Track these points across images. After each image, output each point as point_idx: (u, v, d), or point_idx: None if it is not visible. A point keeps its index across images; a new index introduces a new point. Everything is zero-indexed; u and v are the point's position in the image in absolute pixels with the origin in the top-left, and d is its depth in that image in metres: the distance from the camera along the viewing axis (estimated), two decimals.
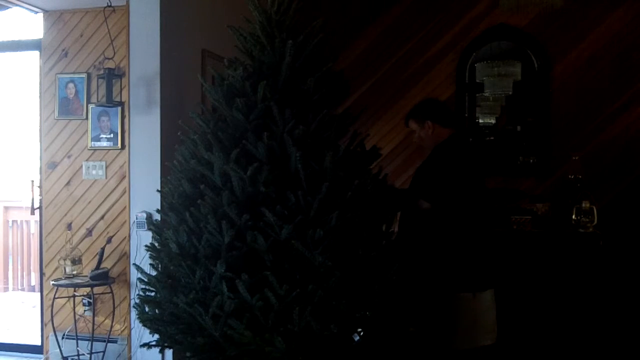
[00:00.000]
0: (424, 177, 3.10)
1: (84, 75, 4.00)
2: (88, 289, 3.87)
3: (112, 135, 3.92)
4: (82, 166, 4.00)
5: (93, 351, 3.76)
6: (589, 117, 4.87)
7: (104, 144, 3.94)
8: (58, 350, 3.86)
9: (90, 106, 3.98)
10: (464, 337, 3.08)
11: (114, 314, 3.87)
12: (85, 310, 3.98)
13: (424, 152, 3.23)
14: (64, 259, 3.90)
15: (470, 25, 5.11)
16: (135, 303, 2.76)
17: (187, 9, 3.96)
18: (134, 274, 3.62)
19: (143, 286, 2.72)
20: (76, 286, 3.81)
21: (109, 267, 3.89)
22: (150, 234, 2.88)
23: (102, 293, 3.90)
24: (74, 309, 3.93)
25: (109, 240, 3.96)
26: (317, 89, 2.58)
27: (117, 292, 3.88)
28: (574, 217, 4.17)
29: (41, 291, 4.25)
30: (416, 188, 3.09)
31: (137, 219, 3.75)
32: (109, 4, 3.85)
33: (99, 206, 3.98)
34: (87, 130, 3.99)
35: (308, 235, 2.35)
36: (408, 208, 3.09)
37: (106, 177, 3.95)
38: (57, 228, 4.08)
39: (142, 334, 3.43)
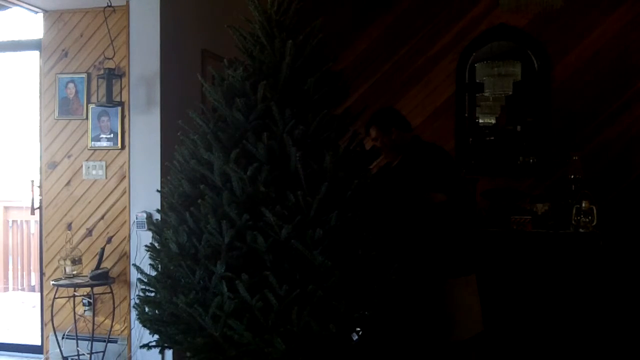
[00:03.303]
0: (421, 174, 3.14)
1: (84, 75, 4.00)
2: (88, 289, 3.88)
3: (112, 135, 3.92)
4: (82, 166, 4.00)
5: (93, 351, 3.76)
6: (589, 117, 4.87)
7: (104, 144, 3.94)
8: (58, 350, 3.86)
9: (90, 106, 3.98)
10: (463, 327, 3.14)
11: (114, 314, 3.87)
12: (85, 310, 3.98)
13: (387, 157, 3.38)
14: (64, 259, 3.90)
15: (470, 25, 5.11)
16: (135, 303, 2.76)
17: (187, 9, 3.96)
18: (134, 274, 3.62)
19: (143, 286, 2.71)
20: (76, 286, 3.81)
21: (109, 267, 3.89)
22: (150, 234, 2.87)
23: (102, 293, 3.91)
24: (74, 309, 3.93)
25: (109, 240, 3.96)
26: (317, 89, 2.58)
27: (117, 292, 3.88)
28: (574, 217, 4.17)
29: (41, 291, 4.25)
30: (425, 183, 3.13)
31: (137, 219, 3.75)
32: (109, 4, 3.85)
33: (99, 206, 3.98)
34: (87, 130, 3.99)
35: (308, 235, 2.35)
36: (419, 204, 3.13)
37: (106, 177, 3.95)
38: (57, 228, 4.08)
39: (142, 334, 3.43)
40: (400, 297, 2.76)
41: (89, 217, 4.01)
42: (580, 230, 4.13)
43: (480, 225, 4.34)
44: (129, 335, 3.81)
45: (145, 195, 3.70)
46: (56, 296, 3.85)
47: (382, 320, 2.70)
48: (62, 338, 3.93)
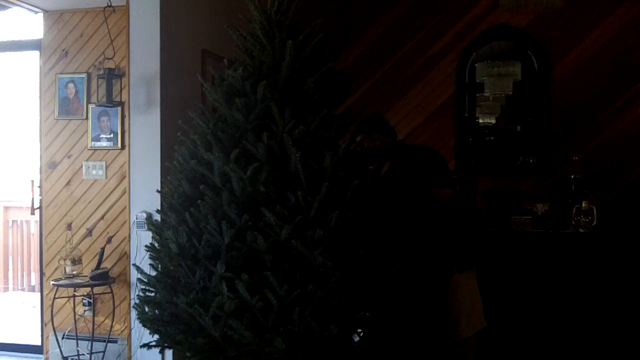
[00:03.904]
0: (424, 173, 3.17)
1: (84, 75, 4.00)
2: (88, 289, 3.87)
3: (112, 135, 3.92)
4: (82, 166, 4.00)
5: (93, 351, 3.76)
6: (589, 117, 4.87)
7: (104, 144, 3.94)
8: (58, 350, 3.86)
9: (90, 106, 3.98)
10: (465, 325, 3.18)
11: (114, 314, 3.86)
12: (85, 310, 3.98)
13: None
14: (64, 259, 3.89)
15: (470, 25, 5.11)
16: (135, 303, 2.76)
17: (187, 9, 3.96)
18: (134, 274, 3.62)
19: (143, 286, 2.72)
20: (76, 286, 3.81)
21: (109, 267, 3.88)
22: (150, 234, 2.88)
23: (102, 293, 3.90)
24: (74, 309, 3.93)
25: (109, 240, 3.96)
26: (317, 89, 2.58)
27: (117, 292, 3.88)
28: (574, 217, 4.17)
29: (41, 291, 4.25)
30: (430, 181, 3.17)
31: (137, 219, 3.75)
32: (109, 4, 3.85)
33: (99, 206, 3.98)
34: (87, 130, 3.99)
35: (308, 235, 2.35)
36: (427, 202, 3.16)
37: (106, 177, 3.95)
38: (57, 228, 4.08)
39: (142, 334, 3.43)
40: (402, 297, 2.77)
41: (89, 217, 4.00)
42: (580, 230, 4.13)
43: (480, 225, 4.34)
44: (129, 335, 3.81)
45: (145, 195, 3.70)
46: (56, 296, 3.85)
47: (383, 321, 2.70)
48: (62, 338, 3.93)
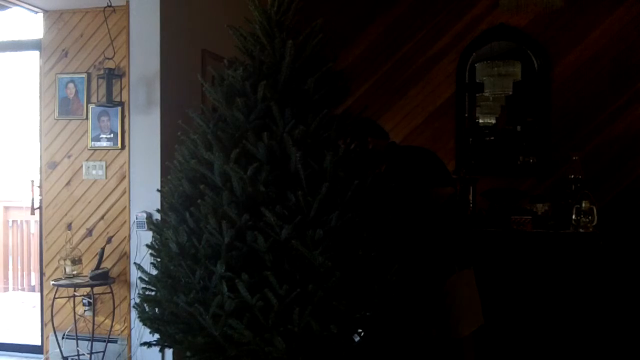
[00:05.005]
0: (424, 173, 3.19)
1: (84, 75, 4.00)
2: (88, 289, 3.88)
3: (112, 135, 3.92)
4: (82, 166, 4.00)
5: (93, 351, 3.76)
6: (589, 117, 4.87)
7: (104, 144, 3.94)
8: (58, 350, 3.86)
9: (90, 106, 3.98)
10: (464, 323, 3.20)
11: (114, 314, 3.87)
12: (85, 310, 3.98)
13: None
14: (64, 259, 3.90)
15: (470, 25, 5.11)
16: (135, 303, 2.76)
17: (187, 9, 3.96)
18: (134, 274, 3.62)
19: (143, 286, 2.72)
20: (76, 286, 3.81)
21: (109, 267, 3.89)
22: (150, 234, 2.88)
23: (102, 293, 3.91)
24: (74, 309, 3.94)
25: (109, 240, 3.96)
26: (317, 89, 2.58)
27: (117, 292, 3.88)
28: (574, 217, 4.17)
29: (41, 291, 4.25)
30: (430, 179, 3.18)
31: (137, 219, 3.75)
32: (109, 4, 3.85)
33: (99, 206, 3.98)
34: (87, 130, 3.99)
35: (308, 235, 2.35)
36: (424, 202, 3.18)
37: (106, 177, 3.95)
38: (57, 228, 4.08)
39: (142, 333, 3.43)
40: (402, 296, 2.77)
41: (89, 217, 4.01)
42: (580, 230, 4.12)
43: (480, 225, 4.34)
44: (129, 335, 3.81)
45: (145, 195, 3.70)
46: (56, 296, 3.85)
47: (383, 320, 2.71)
48: (62, 338, 3.93)
